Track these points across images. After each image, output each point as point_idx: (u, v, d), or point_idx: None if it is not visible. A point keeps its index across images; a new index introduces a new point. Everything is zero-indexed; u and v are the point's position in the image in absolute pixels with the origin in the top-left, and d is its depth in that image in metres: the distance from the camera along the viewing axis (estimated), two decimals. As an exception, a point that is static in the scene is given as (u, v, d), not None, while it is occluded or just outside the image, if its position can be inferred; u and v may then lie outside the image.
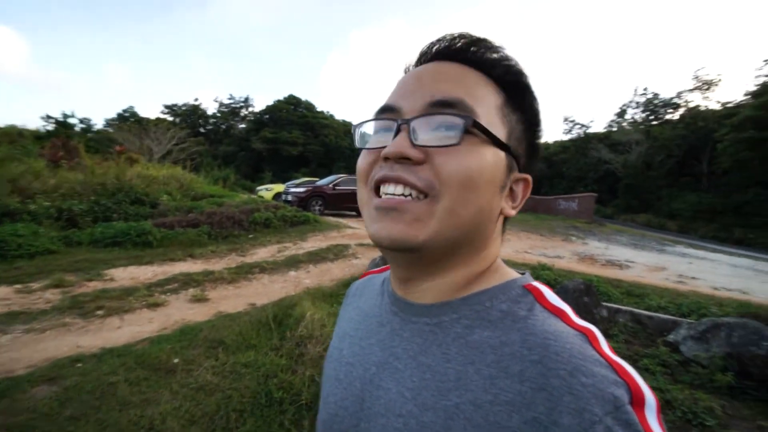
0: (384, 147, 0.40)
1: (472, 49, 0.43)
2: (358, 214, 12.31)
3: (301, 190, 12.16)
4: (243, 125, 41.54)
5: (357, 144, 0.46)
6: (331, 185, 12.23)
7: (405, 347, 0.43)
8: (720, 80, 28.70)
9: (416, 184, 0.38)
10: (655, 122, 32.06)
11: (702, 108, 28.52)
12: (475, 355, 0.37)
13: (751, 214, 19.87)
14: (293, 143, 36.15)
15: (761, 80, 22.66)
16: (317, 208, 11.44)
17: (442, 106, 0.39)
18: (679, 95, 31.07)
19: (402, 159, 0.39)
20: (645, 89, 36.26)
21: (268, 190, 16.15)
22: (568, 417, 0.30)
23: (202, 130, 40.07)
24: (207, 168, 19.97)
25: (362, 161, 0.44)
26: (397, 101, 0.42)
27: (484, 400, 0.34)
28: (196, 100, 41.91)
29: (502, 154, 0.41)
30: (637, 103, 34.24)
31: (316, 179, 15.61)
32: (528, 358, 0.34)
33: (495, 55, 0.43)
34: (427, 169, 0.38)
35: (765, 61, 22.85)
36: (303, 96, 40.12)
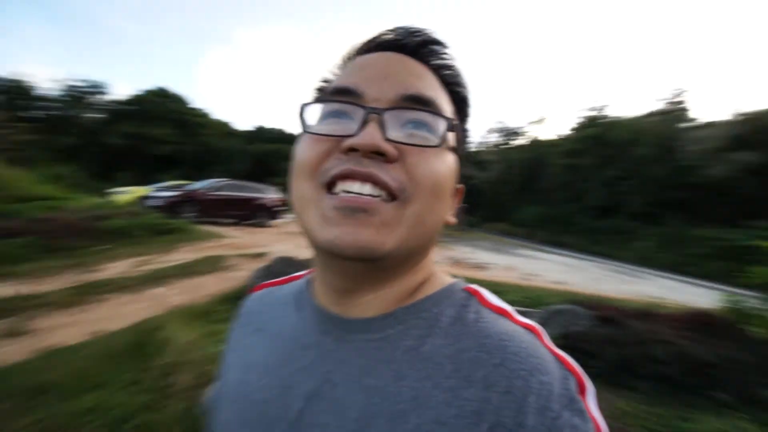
0: (344, 136, 0.35)
1: (425, 49, 0.41)
2: (237, 223, 11.37)
3: (170, 194, 10.63)
4: (95, 115, 34.23)
5: (303, 129, 0.39)
6: (207, 190, 11.01)
7: (344, 371, 0.37)
8: (546, 119, 37.15)
9: (389, 183, 0.34)
10: (508, 146, 38.60)
11: (540, 138, 35.85)
12: (432, 368, 0.34)
13: (570, 224, 25.56)
14: (162, 141, 31.35)
15: (580, 120, 29.80)
16: (189, 215, 10.13)
17: (417, 102, 0.37)
18: (525, 125, 38.36)
19: (374, 154, 0.34)
20: (501, 120, 43.82)
21: (125, 193, 13.61)
22: (532, 417, 0.30)
23: (38, 114, 31.45)
24: (40, 163, 15.85)
25: (309, 150, 0.37)
26: (360, 85, 0.37)
27: (449, 415, 0.31)
28: (23, 75, 32.91)
29: (457, 161, 0.41)
30: (496, 129, 40.94)
31: (189, 182, 13.80)
32: (489, 362, 0.33)
33: (448, 62, 0.42)
34: (399, 169, 0.35)
35: (592, 108, 29.60)
36: (176, 89, 35.47)
